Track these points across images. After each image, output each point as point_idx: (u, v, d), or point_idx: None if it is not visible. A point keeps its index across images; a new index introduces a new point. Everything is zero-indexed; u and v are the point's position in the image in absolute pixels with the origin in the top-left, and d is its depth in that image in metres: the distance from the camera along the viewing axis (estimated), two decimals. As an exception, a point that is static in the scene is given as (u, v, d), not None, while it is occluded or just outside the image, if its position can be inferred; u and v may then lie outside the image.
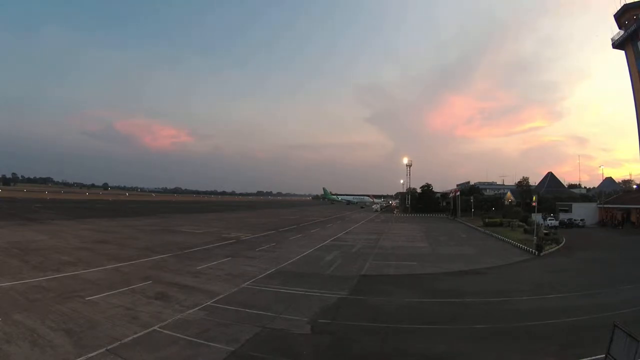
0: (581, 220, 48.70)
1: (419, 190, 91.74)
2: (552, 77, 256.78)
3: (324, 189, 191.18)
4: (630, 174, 78.48)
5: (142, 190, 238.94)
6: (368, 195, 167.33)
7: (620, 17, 51.78)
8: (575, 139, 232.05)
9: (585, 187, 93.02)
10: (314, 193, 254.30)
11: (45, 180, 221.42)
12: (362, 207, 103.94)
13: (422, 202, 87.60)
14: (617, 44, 52.64)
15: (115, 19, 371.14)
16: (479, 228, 45.59)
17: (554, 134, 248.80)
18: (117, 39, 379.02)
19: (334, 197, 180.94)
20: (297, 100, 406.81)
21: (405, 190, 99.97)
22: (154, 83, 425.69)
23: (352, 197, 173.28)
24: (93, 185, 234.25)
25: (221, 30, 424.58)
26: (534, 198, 35.86)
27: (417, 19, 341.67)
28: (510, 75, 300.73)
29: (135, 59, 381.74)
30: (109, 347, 8.38)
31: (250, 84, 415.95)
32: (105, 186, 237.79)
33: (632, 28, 49.21)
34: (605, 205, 52.70)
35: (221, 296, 13.25)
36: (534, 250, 25.79)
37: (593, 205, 55.43)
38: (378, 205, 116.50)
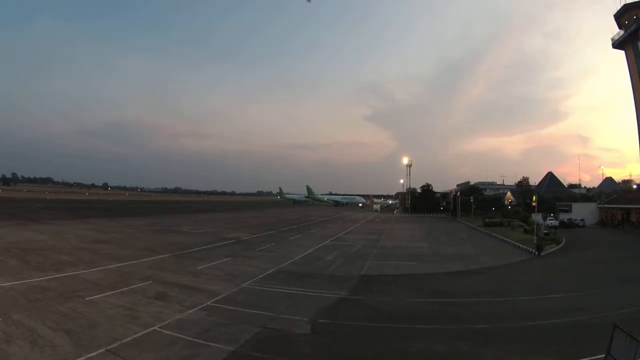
0: (581, 220, 48.70)
1: (419, 190, 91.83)
2: (556, 75, 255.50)
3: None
4: (630, 174, 78.44)
5: (142, 190, 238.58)
6: (365, 195, 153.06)
7: (620, 17, 51.76)
8: (577, 138, 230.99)
9: (585, 187, 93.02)
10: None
11: (45, 180, 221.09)
12: (362, 207, 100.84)
13: (422, 202, 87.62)
14: (617, 44, 52.62)
15: (115, 17, 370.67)
16: (479, 228, 45.58)
17: (556, 133, 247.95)
18: (117, 38, 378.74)
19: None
20: (298, 99, 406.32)
21: (405, 190, 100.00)
22: (155, 83, 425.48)
23: (326, 196, 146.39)
24: (93, 185, 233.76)
25: (223, 31, 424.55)
26: (534, 198, 35.86)
27: (420, 18, 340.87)
28: (513, 73, 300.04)
29: (135, 59, 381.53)
30: (109, 347, 8.38)
31: (250, 83, 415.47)
32: (105, 186, 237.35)
33: (632, 28, 49.19)
34: (605, 205, 52.70)
35: (221, 296, 13.25)
36: (534, 250, 25.79)
37: (593, 205, 55.43)
38: (378, 205, 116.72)
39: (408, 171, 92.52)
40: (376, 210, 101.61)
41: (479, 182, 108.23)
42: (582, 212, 51.85)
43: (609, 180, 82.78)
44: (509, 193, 79.18)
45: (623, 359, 5.70)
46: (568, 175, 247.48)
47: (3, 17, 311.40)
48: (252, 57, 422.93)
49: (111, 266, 17.26)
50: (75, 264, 17.23)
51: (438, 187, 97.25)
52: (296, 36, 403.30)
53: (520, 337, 10.03)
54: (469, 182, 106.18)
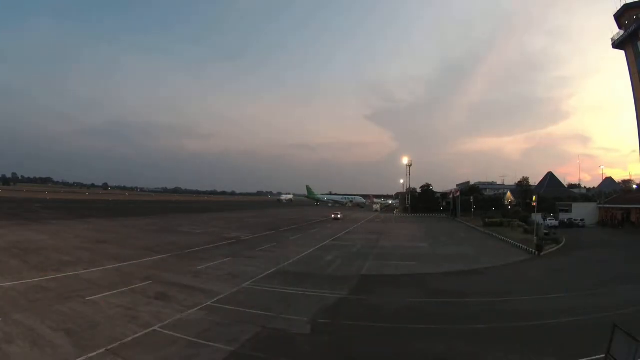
0: (581, 220, 48.70)
1: (419, 190, 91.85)
2: (557, 75, 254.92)
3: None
4: (630, 174, 78.44)
5: (142, 190, 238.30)
6: (365, 195, 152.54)
7: (620, 17, 51.74)
8: (577, 138, 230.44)
9: (585, 187, 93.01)
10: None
11: (45, 180, 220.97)
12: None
13: (422, 202, 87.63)
14: (617, 44, 52.60)
15: (115, 17, 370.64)
16: (479, 228, 45.59)
17: (557, 133, 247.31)
18: (117, 38, 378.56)
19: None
20: (298, 99, 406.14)
21: (405, 190, 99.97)
22: (155, 82, 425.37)
23: (326, 196, 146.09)
24: (93, 185, 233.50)
25: (223, 31, 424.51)
26: (534, 198, 35.84)
27: (421, 17, 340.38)
28: (514, 73, 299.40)
29: (135, 58, 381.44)
30: (108, 347, 8.38)
31: (250, 83, 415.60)
32: (105, 186, 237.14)
33: (632, 28, 49.17)
34: (605, 205, 52.70)
35: (221, 296, 13.25)
36: (534, 250, 25.79)
37: (593, 205, 55.43)
38: (378, 205, 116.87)
39: (408, 171, 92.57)
40: (376, 210, 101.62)
41: (479, 182, 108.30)
42: (582, 212, 51.85)
43: (609, 180, 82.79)
44: (509, 193, 79.26)
45: (623, 359, 5.70)
46: (568, 175, 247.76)
47: (3, 16, 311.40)
48: (252, 57, 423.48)
49: (111, 266, 17.25)
50: (76, 264, 17.22)
51: (438, 187, 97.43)
52: (297, 36, 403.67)
53: (520, 337, 10.03)
54: (469, 182, 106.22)
